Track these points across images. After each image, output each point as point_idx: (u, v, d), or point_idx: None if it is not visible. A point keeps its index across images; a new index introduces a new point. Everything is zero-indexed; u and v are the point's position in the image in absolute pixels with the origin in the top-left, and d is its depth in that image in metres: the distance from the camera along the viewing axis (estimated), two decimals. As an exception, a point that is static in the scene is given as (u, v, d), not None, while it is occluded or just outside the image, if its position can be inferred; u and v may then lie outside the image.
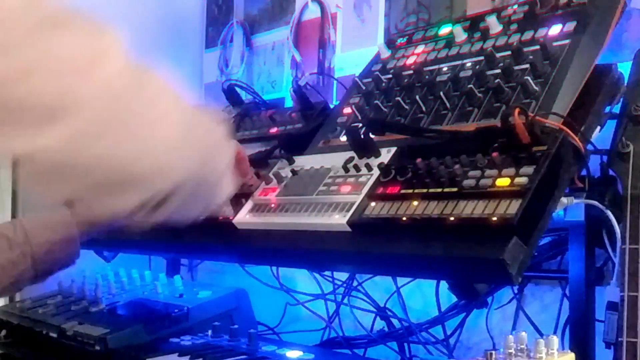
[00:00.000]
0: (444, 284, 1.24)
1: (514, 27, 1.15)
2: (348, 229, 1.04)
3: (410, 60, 1.28)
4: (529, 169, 0.89)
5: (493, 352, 0.79)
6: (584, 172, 0.98)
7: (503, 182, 0.90)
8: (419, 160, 1.02)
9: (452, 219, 0.91)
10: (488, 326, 1.42)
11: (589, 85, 0.99)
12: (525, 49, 1.07)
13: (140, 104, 0.79)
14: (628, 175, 0.96)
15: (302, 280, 1.72)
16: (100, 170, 0.77)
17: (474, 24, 1.23)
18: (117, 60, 0.75)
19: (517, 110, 0.91)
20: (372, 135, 1.13)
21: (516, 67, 1.05)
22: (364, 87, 1.29)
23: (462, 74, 1.13)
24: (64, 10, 0.72)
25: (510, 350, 0.81)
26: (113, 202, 0.82)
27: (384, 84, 1.26)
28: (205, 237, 1.34)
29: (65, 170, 0.75)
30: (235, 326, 1.46)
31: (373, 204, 1.03)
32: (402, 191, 1.00)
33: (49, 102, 0.70)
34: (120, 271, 1.82)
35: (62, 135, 0.71)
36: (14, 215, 1.89)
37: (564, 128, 0.92)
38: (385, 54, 1.36)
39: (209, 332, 1.48)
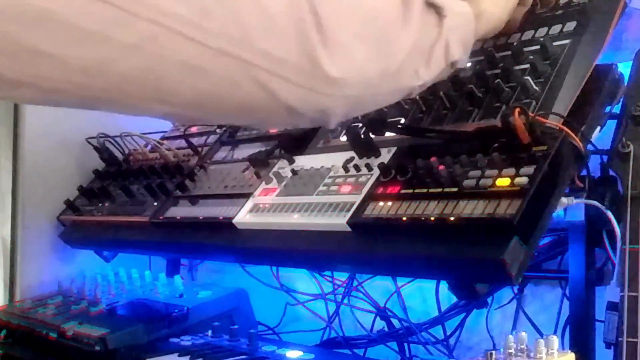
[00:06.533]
0: (444, 284, 1.23)
1: (514, 26, 1.15)
2: (348, 229, 1.04)
3: (410, 60, 1.28)
4: (529, 169, 0.89)
5: (493, 352, 0.79)
6: (584, 172, 0.98)
7: (503, 182, 0.90)
8: (419, 160, 1.02)
9: (452, 219, 0.91)
10: (488, 326, 1.42)
11: (589, 85, 0.99)
12: (525, 49, 1.07)
13: None
14: (628, 176, 0.96)
15: (302, 280, 1.72)
16: None
17: (474, 23, 1.22)
18: None
19: (517, 110, 0.91)
20: (372, 135, 1.13)
21: (516, 67, 1.05)
22: (364, 87, 1.29)
23: (462, 74, 1.13)
24: None
25: (510, 350, 0.81)
26: None
27: (384, 84, 1.26)
28: (205, 237, 1.34)
29: None
30: (235, 326, 1.46)
31: (373, 204, 1.03)
32: (402, 191, 1.00)
33: None
34: (120, 271, 1.82)
35: None
36: (13, 216, 1.87)
37: (564, 128, 0.92)
38: (385, 54, 1.35)
39: (209, 332, 1.47)
